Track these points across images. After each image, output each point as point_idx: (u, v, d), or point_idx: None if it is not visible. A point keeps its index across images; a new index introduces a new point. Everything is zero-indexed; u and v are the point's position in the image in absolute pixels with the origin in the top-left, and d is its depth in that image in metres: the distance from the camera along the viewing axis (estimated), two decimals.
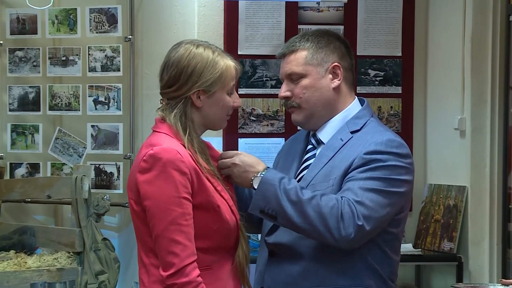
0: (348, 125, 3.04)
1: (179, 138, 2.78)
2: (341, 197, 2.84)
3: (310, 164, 3.08)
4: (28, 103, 5.63)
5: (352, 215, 2.78)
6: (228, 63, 2.84)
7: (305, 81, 3.00)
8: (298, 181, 3.05)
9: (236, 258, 2.93)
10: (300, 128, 3.31)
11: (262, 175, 2.90)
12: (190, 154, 2.75)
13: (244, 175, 2.95)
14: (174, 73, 2.87)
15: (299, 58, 3.03)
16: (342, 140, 3.03)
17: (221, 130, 4.69)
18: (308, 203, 2.84)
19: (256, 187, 2.89)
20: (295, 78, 3.01)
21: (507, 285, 2.60)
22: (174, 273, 2.68)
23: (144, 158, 2.76)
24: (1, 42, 5.59)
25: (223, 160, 2.96)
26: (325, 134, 3.02)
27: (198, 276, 2.71)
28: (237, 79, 2.96)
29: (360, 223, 2.76)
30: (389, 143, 2.91)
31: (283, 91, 3.01)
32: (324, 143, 3.04)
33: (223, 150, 4.69)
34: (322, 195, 2.85)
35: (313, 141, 3.09)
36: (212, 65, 2.84)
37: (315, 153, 3.07)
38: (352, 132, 3.03)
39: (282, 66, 3.08)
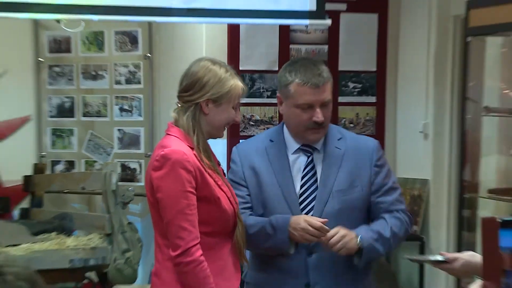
0: (330, 134, 3.27)
1: (188, 139, 2.99)
2: (397, 210, 3.21)
3: (315, 169, 3.25)
4: (65, 111, 5.90)
5: (410, 221, 3.24)
6: (237, 83, 3.02)
7: (330, 106, 3.19)
8: (312, 184, 3.23)
9: (235, 240, 3.09)
10: (245, 143, 3.53)
11: (360, 239, 3.05)
12: (195, 154, 2.96)
13: (351, 244, 3.04)
14: (191, 81, 3.01)
15: (329, 87, 3.15)
16: (340, 149, 3.25)
17: (225, 133, 4.39)
18: (392, 241, 3.15)
19: (363, 252, 3.07)
20: (327, 104, 3.15)
21: (444, 256, 2.69)
22: (181, 253, 2.88)
23: (157, 158, 2.95)
24: (42, 59, 5.79)
25: (334, 239, 2.99)
26: (316, 144, 3.23)
27: (200, 255, 2.89)
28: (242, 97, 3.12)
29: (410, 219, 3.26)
30: (379, 146, 3.32)
31: (321, 117, 3.11)
32: (318, 150, 3.24)
33: (227, 151, 4.97)
34: (391, 225, 3.16)
35: (305, 148, 3.24)
36: (223, 82, 2.99)
37: (312, 158, 3.25)
38: (338, 140, 3.28)
39: (317, 94, 3.12)
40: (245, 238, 3.15)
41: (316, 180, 3.21)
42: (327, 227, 2.98)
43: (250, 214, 3.23)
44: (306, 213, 3.16)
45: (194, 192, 2.92)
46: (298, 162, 3.24)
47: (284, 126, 3.27)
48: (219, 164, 3.18)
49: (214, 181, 3.01)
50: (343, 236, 2.99)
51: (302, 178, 3.22)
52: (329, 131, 3.23)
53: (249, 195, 3.21)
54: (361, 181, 3.20)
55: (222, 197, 3.01)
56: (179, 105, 3.04)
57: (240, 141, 4.84)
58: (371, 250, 3.07)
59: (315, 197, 3.20)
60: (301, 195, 3.21)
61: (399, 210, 3.21)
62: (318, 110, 3.07)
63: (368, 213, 3.27)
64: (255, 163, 3.22)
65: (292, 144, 3.23)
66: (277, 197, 3.20)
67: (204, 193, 2.95)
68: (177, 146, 2.95)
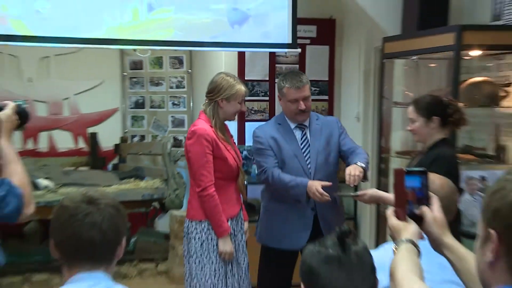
0: (311, 117, 3.23)
1: (210, 122, 2.98)
2: (359, 149, 3.15)
3: (307, 138, 3.19)
4: (139, 105, 5.96)
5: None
6: (241, 87, 2.99)
7: (310, 99, 3.16)
8: (307, 148, 3.15)
9: (237, 182, 3.10)
10: (265, 125, 3.32)
11: (360, 164, 2.92)
12: (213, 131, 2.95)
13: (359, 170, 2.87)
14: (212, 86, 2.99)
15: (307, 88, 3.12)
16: (318, 125, 3.21)
17: (236, 118, 4.17)
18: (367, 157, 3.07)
19: (365, 171, 2.94)
20: (307, 98, 3.12)
21: (358, 192, 2.51)
22: (201, 190, 2.90)
23: (189, 132, 2.95)
24: (126, 73, 5.89)
25: (352, 174, 2.82)
26: (305, 122, 3.19)
27: (213, 191, 2.90)
28: (245, 96, 3.09)
29: None
30: (338, 119, 3.42)
31: (304, 106, 3.10)
32: (307, 126, 3.18)
33: (237, 128, 4.85)
34: (365, 156, 3.06)
35: (300, 126, 3.19)
36: (232, 87, 2.96)
37: (306, 132, 3.19)
38: (316, 120, 3.23)
39: (299, 92, 3.10)
40: (244, 181, 3.17)
41: (309, 145, 3.17)
42: (327, 194, 2.90)
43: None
44: (307, 164, 3.14)
45: (211, 153, 2.91)
46: (296, 134, 3.19)
47: (283, 114, 3.25)
48: (231, 137, 3.17)
49: (225, 147, 2.99)
50: (355, 168, 2.91)
51: (301, 144, 3.17)
52: (310, 116, 3.22)
53: (275, 155, 3.13)
54: (334, 141, 3.17)
55: (228, 157, 2.99)
56: (206, 101, 3.03)
57: (246, 123, 4.99)
58: (366, 169, 3.03)
59: (310, 155, 3.15)
60: (304, 154, 3.17)
61: (360, 147, 3.24)
62: (301, 102, 3.07)
63: (337, 163, 3.23)
64: (274, 135, 3.17)
65: (291, 125, 3.19)
66: (291, 156, 3.13)
67: (217, 154, 2.94)
68: (202, 125, 2.95)
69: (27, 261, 4.76)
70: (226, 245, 2.95)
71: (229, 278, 3.02)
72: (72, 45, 3.96)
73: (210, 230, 2.96)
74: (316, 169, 3.11)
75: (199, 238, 2.97)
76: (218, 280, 2.97)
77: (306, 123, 3.19)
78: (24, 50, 5.23)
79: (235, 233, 3.07)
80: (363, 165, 2.97)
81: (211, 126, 2.96)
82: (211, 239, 2.96)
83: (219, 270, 2.98)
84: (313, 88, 4.98)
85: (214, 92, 2.97)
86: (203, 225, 2.96)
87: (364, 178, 3.02)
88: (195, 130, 2.93)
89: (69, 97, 5.77)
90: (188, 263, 3.02)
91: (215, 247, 2.96)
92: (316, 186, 2.93)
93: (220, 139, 2.97)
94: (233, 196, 3.09)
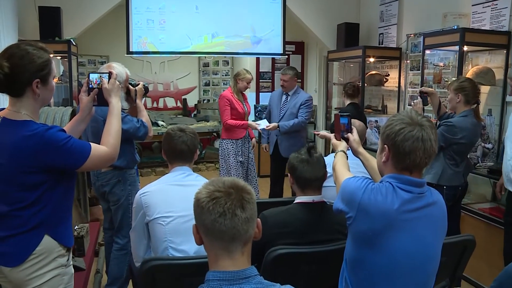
0: (296, 90, 3.02)
1: (231, 90, 2.91)
2: (300, 118, 2.85)
3: (287, 101, 2.98)
4: (207, 84, 5.67)
5: (305, 121, 2.88)
6: (248, 76, 2.89)
7: (289, 81, 2.93)
8: (286, 107, 2.90)
9: (244, 119, 2.94)
10: (276, 90, 3.12)
11: (280, 127, 2.71)
12: (231, 94, 2.86)
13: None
14: (236, 73, 2.93)
15: (288, 76, 2.93)
16: (296, 95, 2.97)
17: (254, 89, 4.72)
18: (294, 126, 2.76)
19: (281, 129, 2.70)
20: (286, 80, 2.93)
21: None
22: (223, 122, 2.83)
23: (220, 95, 2.88)
24: (200, 68, 5.64)
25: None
26: (289, 93, 3.00)
27: (228, 122, 2.80)
28: (250, 80, 2.90)
29: None
30: (309, 97, 3.04)
31: (282, 83, 2.92)
32: (289, 95, 2.97)
33: (255, 95, 4.75)
34: (292, 120, 2.77)
35: (286, 93, 2.99)
36: (244, 74, 2.88)
37: (288, 97, 2.98)
38: (298, 93, 3.01)
39: (283, 76, 2.92)
40: (247, 118, 2.96)
41: (286, 104, 3.01)
42: (257, 125, 2.79)
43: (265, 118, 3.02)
44: (280, 114, 2.96)
45: (229, 106, 2.86)
46: (283, 98, 3.03)
47: (280, 88, 3.13)
48: (245, 99, 3.02)
49: (237, 102, 2.89)
50: (274, 124, 2.79)
51: (282, 103, 3.01)
52: (295, 90, 2.98)
53: (270, 108, 3.03)
54: (296, 106, 2.98)
55: (238, 108, 2.90)
56: (234, 81, 3.00)
57: (260, 93, 5.00)
58: (279, 126, 2.89)
59: (284, 109, 3.00)
60: (281, 109, 3.04)
61: (300, 119, 2.98)
62: (282, 81, 2.97)
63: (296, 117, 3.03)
64: (273, 99, 3.09)
65: (283, 92, 3.07)
66: (275, 108, 3.03)
67: (232, 106, 2.88)
68: (224, 92, 2.93)
69: (153, 161, 4.94)
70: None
71: (240, 167, 2.98)
72: (175, 55, 4.01)
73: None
74: (284, 117, 3.01)
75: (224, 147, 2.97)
76: (235, 162, 2.96)
77: (290, 93, 3.01)
78: (153, 58, 5.45)
79: (243, 145, 2.97)
80: (281, 125, 2.86)
81: (232, 92, 2.91)
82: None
83: (237, 160, 2.94)
84: None
85: (235, 76, 2.97)
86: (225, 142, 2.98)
87: (275, 128, 2.87)
88: (221, 94, 2.96)
89: (173, 80, 5.89)
90: (220, 159, 3.06)
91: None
92: (252, 125, 2.87)
93: (235, 99, 2.90)
94: (243, 126, 2.97)
